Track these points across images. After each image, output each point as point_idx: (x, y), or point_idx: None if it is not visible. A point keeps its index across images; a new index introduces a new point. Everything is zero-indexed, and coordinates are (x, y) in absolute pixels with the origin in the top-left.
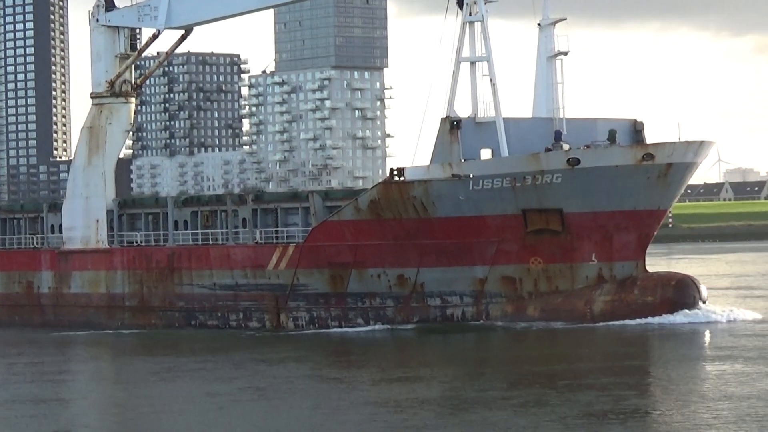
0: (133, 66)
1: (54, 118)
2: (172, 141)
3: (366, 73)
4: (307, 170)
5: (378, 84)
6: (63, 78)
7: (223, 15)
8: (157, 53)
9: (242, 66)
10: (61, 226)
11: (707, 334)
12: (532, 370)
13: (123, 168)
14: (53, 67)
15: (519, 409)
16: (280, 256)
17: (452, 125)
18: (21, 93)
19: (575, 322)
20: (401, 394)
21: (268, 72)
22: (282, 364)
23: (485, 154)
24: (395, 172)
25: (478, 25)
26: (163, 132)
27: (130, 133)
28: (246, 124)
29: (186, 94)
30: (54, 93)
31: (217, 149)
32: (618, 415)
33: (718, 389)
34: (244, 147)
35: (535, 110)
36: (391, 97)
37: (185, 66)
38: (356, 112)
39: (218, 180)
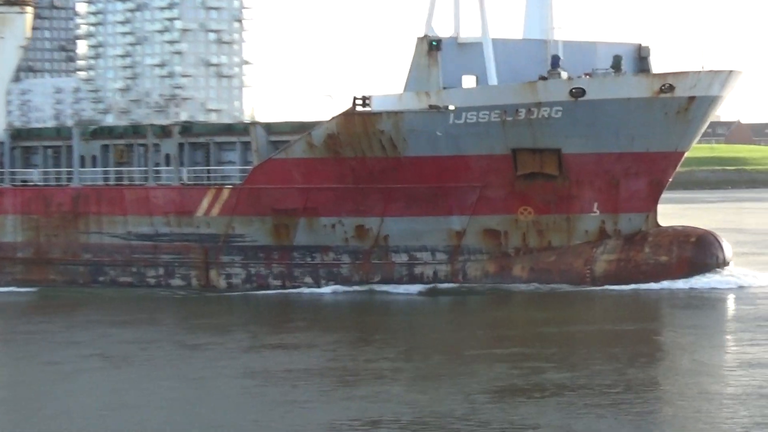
0: None
1: None
2: None
3: None
4: (152, 101)
5: (236, 2)
6: None
7: None
8: None
9: None
10: None
11: (732, 301)
12: (437, 338)
13: None
14: None
15: (416, 382)
16: (212, 200)
17: (431, 46)
18: None
19: (572, 284)
20: (277, 364)
21: None
22: (155, 327)
23: (468, 81)
24: (359, 101)
25: None
26: None
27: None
28: (82, 47)
29: None
30: None
31: (47, 75)
32: (537, 391)
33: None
34: (80, 73)
35: (526, 31)
36: (251, 18)
37: None
38: (210, 34)
39: (48, 110)
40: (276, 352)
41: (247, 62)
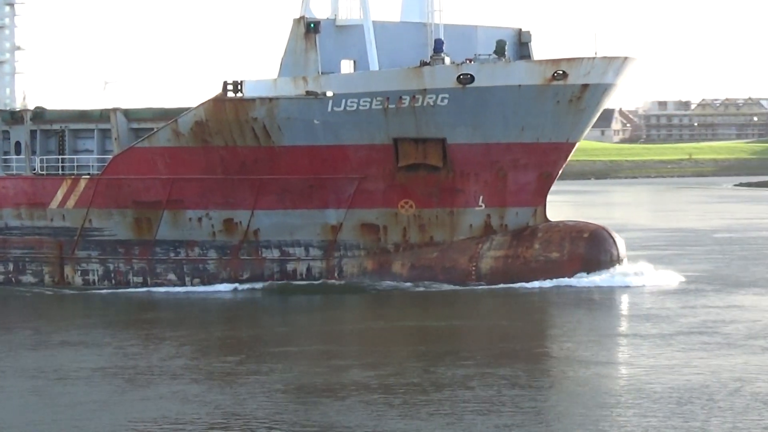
0: None
1: None
2: None
3: None
4: None
5: None
6: None
7: None
8: None
9: None
10: None
11: (618, 299)
12: (239, 336)
13: None
14: None
15: (215, 381)
16: (67, 191)
17: (308, 28)
18: None
19: (456, 282)
20: (67, 362)
21: None
22: None
23: (346, 66)
24: (230, 87)
25: None
26: None
27: None
28: None
29: None
30: None
31: None
32: (342, 390)
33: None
34: None
35: (404, 13)
36: (23, 2)
37: None
38: None
39: None
40: (64, 350)
41: (19, 48)
